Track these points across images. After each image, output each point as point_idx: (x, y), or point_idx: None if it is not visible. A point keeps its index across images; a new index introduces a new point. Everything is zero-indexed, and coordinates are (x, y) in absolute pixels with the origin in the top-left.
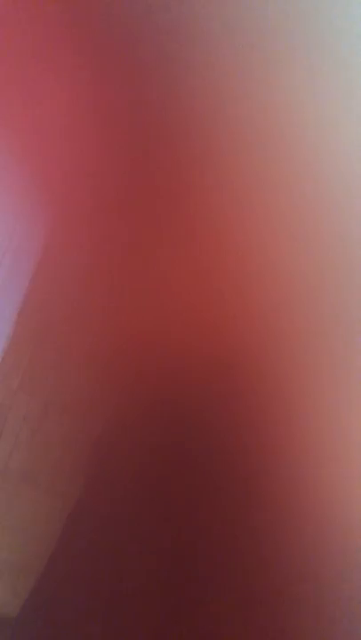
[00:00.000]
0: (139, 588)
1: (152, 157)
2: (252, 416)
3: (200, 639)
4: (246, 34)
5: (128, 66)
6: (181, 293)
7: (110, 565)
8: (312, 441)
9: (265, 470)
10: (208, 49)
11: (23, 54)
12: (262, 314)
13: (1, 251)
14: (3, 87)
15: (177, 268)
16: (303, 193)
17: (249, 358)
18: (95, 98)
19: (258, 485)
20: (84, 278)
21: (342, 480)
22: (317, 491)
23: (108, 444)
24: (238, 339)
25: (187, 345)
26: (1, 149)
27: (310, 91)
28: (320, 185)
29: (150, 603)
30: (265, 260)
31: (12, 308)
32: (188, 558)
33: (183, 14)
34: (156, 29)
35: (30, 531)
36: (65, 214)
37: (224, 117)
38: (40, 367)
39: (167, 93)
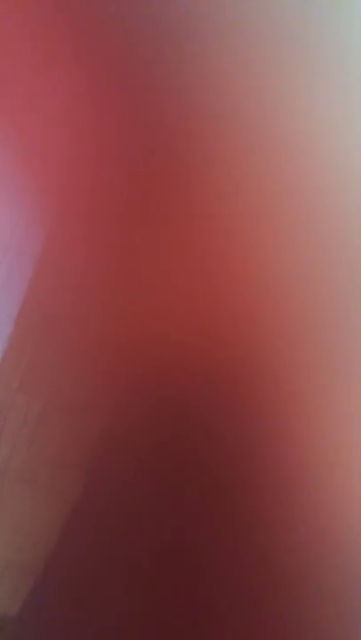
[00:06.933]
0: (139, 588)
1: (152, 157)
2: (252, 414)
3: (202, 639)
4: (247, 36)
5: (129, 68)
6: (181, 293)
7: (110, 565)
8: (312, 439)
9: (265, 468)
10: (209, 51)
11: (24, 56)
12: (262, 314)
13: (1, 250)
14: (4, 89)
15: (176, 268)
16: (303, 193)
17: (249, 357)
18: (96, 100)
19: (258, 483)
20: (84, 278)
21: (343, 479)
22: (318, 489)
23: (107, 444)
24: (238, 338)
25: (186, 345)
26: (1, 150)
27: (310, 92)
28: (320, 184)
29: (151, 602)
30: (265, 260)
31: (12, 307)
32: (190, 557)
33: (184, 18)
34: (157, 32)
35: (30, 530)
36: (65, 214)
37: (224, 118)
38: (40, 367)
39: (168, 94)
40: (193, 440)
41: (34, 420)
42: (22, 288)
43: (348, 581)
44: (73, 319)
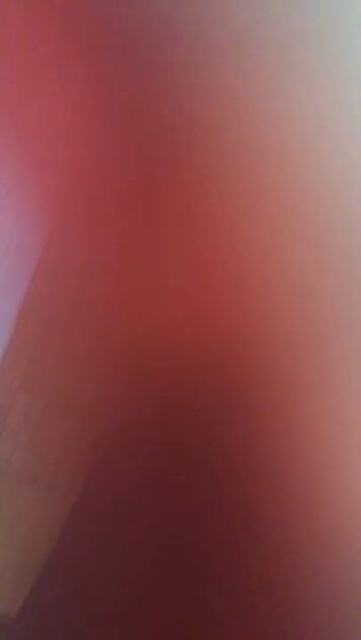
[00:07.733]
0: (138, 587)
1: (152, 157)
2: (252, 413)
3: (202, 638)
4: (249, 42)
5: (130, 69)
6: (181, 292)
7: (110, 565)
8: (312, 438)
9: (265, 467)
10: (210, 57)
11: (25, 56)
12: (263, 313)
13: (1, 250)
14: (4, 89)
15: (177, 268)
16: (304, 194)
17: (249, 356)
18: (96, 100)
19: (259, 482)
20: (84, 278)
21: (343, 478)
22: (318, 488)
23: (107, 444)
24: (238, 337)
25: (187, 344)
26: (1, 151)
27: (310, 95)
28: (320, 186)
29: (150, 602)
30: (265, 258)
31: (12, 307)
32: (189, 556)
33: (186, 25)
34: (159, 37)
35: (30, 530)
36: (65, 214)
37: (225, 121)
38: (40, 367)
39: (169, 96)
40: (193, 440)
41: (34, 419)
42: (22, 288)
43: (348, 581)
44: (73, 319)
